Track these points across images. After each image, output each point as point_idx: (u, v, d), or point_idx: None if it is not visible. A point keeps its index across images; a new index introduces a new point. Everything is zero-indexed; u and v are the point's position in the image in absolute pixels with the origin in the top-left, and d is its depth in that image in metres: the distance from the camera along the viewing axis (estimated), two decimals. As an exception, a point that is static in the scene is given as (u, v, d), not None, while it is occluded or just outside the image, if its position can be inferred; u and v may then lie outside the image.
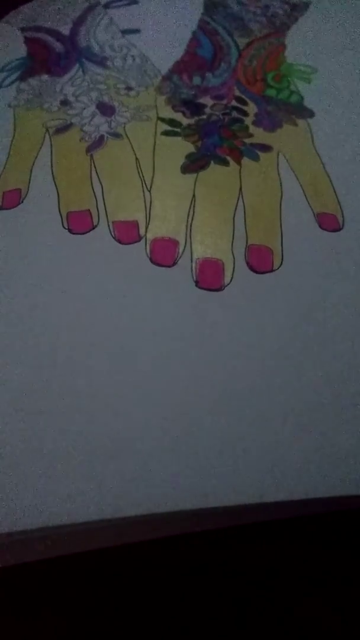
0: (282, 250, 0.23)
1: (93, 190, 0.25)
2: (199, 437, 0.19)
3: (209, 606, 0.20)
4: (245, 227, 0.24)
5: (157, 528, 0.19)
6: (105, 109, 0.28)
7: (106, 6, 0.35)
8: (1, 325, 0.21)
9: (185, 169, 0.26)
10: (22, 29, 0.34)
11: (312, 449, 0.19)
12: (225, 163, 0.26)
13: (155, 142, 0.27)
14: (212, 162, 0.26)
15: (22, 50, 0.33)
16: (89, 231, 0.23)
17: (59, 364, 0.20)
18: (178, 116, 0.28)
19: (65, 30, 0.34)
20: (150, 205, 0.24)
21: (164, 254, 0.23)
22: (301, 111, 0.29)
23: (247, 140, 0.27)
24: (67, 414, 0.19)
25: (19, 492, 0.18)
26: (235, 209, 0.24)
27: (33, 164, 0.26)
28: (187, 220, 0.24)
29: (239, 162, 0.26)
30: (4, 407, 0.20)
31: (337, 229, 0.24)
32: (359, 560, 0.21)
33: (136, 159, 0.26)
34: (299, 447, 0.19)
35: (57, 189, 0.25)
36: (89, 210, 0.24)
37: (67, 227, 0.24)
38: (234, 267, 0.23)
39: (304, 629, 0.20)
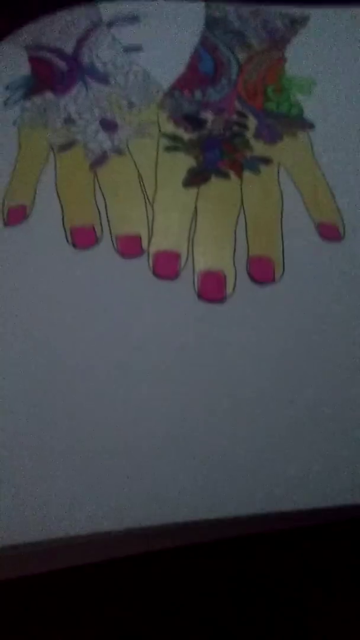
0: (283, 261, 0.24)
1: (97, 205, 0.25)
2: (201, 448, 0.19)
3: (211, 618, 0.20)
4: (247, 239, 0.24)
5: (156, 540, 0.20)
6: (108, 126, 0.29)
7: (109, 25, 0.36)
8: (5, 340, 0.22)
9: (187, 183, 0.26)
10: (26, 48, 0.35)
11: (314, 459, 0.19)
12: (226, 176, 0.26)
13: (157, 157, 0.27)
14: (213, 175, 0.26)
15: (26, 69, 0.33)
16: (92, 246, 0.24)
17: (62, 377, 0.21)
18: (180, 131, 0.28)
19: (69, 48, 0.34)
20: (153, 219, 0.25)
21: (166, 266, 0.23)
22: (301, 123, 0.29)
23: (248, 154, 0.27)
24: (69, 427, 0.20)
25: (18, 504, 0.18)
26: (237, 221, 0.25)
27: (38, 181, 0.26)
28: (189, 233, 0.24)
29: (240, 176, 0.26)
30: (6, 420, 0.20)
31: (337, 239, 0.24)
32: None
33: (139, 174, 0.26)
34: (301, 457, 0.19)
35: (61, 204, 0.25)
36: (92, 225, 0.24)
37: (71, 242, 0.24)
38: (235, 278, 0.23)
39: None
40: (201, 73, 0.32)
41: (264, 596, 0.21)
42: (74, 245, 0.24)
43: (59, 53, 0.34)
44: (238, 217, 0.25)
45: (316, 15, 0.37)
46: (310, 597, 0.21)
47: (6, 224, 0.25)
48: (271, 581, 0.21)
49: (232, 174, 0.26)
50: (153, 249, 0.24)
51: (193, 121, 0.29)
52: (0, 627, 0.20)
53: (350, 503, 0.19)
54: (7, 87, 0.32)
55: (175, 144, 0.28)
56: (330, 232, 0.24)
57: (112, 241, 0.24)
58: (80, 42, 0.35)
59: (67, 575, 0.20)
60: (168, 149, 0.28)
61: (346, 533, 0.21)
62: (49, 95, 0.31)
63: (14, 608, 0.20)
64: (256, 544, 0.21)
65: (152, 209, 0.25)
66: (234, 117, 0.29)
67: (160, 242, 0.24)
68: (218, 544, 0.20)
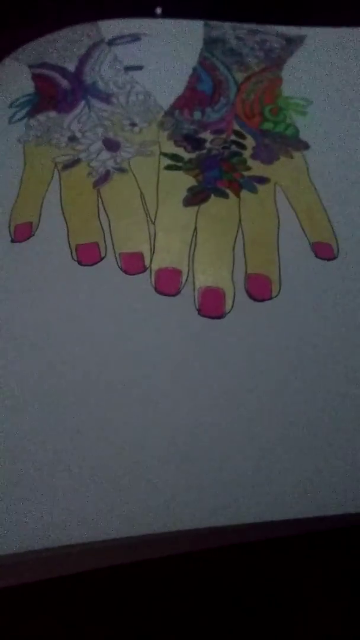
0: (279, 279, 0.24)
1: (100, 223, 0.26)
2: (201, 459, 0.20)
3: (214, 625, 0.21)
4: (245, 257, 0.25)
5: (159, 547, 0.20)
6: (111, 145, 0.30)
7: (110, 43, 0.37)
8: (10, 353, 0.22)
9: (187, 202, 0.27)
10: (30, 66, 0.36)
11: (312, 469, 0.20)
12: (225, 195, 0.27)
13: (158, 176, 0.28)
14: (212, 195, 0.27)
15: (30, 87, 0.34)
16: (97, 263, 0.25)
17: (66, 391, 0.22)
18: (180, 151, 0.29)
19: (71, 67, 0.35)
20: (155, 237, 0.26)
21: (168, 283, 0.24)
22: (297, 144, 0.30)
23: (246, 173, 0.28)
24: (72, 439, 0.20)
25: (28, 512, 0.19)
26: (235, 239, 0.26)
27: (43, 198, 0.27)
28: (190, 251, 0.25)
29: (238, 195, 0.27)
30: (10, 432, 0.21)
31: (331, 257, 0.25)
32: None
33: (141, 192, 0.27)
34: (299, 467, 0.20)
35: (66, 222, 0.26)
36: (96, 242, 0.25)
37: (76, 259, 0.25)
38: (234, 295, 0.24)
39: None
40: (200, 93, 0.33)
41: (263, 603, 0.21)
42: (79, 262, 0.25)
43: (62, 71, 0.35)
44: (236, 235, 0.26)
45: (312, 35, 0.39)
46: (308, 604, 0.21)
47: (13, 240, 0.26)
48: (269, 589, 0.21)
49: (231, 193, 0.27)
50: (155, 266, 0.25)
51: (192, 141, 0.30)
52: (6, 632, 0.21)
53: (349, 512, 0.20)
54: (11, 105, 0.33)
55: (175, 163, 0.29)
56: (324, 251, 0.25)
57: (116, 258, 0.25)
58: (83, 60, 0.36)
59: (70, 582, 0.20)
60: (168, 168, 0.28)
61: (344, 541, 0.22)
62: (52, 113, 0.32)
63: (13, 616, 0.21)
64: (255, 552, 0.22)
65: (154, 227, 0.26)
66: (232, 136, 0.30)
67: (162, 260, 0.25)
68: (217, 551, 0.21)
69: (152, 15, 0.42)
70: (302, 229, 0.26)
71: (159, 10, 0.42)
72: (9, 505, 0.19)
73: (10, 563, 0.19)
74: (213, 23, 0.39)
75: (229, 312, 0.23)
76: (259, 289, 0.24)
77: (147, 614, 0.21)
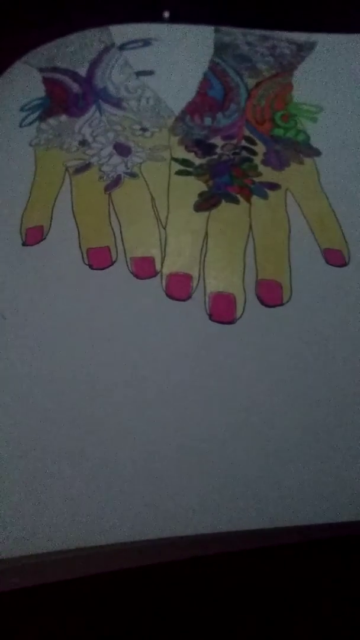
0: (290, 285, 0.24)
1: (112, 227, 0.26)
2: (208, 464, 0.20)
3: (217, 631, 0.21)
4: (255, 262, 0.25)
5: (164, 552, 0.20)
6: (122, 149, 0.30)
7: (121, 48, 0.37)
8: (21, 355, 0.23)
9: (198, 207, 0.27)
10: (41, 70, 0.36)
11: (324, 476, 0.20)
12: (235, 201, 0.27)
13: (169, 181, 0.28)
14: (223, 200, 0.27)
15: (40, 91, 0.34)
16: (108, 267, 0.25)
17: (75, 392, 0.22)
18: (190, 156, 0.29)
19: (82, 71, 0.35)
20: (166, 242, 0.26)
21: (179, 288, 0.24)
22: (308, 150, 0.30)
23: (257, 179, 0.28)
24: (80, 443, 0.20)
25: (34, 514, 0.19)
26: (246, 245, 0.26)
27: (55, 202, 0.27)
28: (201, 256, 0.25)
29: (248, 200, 0.27)
30: (14, 432, 0.21)
31: (342, 264, 0.25)
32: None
33: (152, 197, 0.27)
34: (310, 474, 0.20)
35: (77, 226, 0.26)
36: (108, 247, 0.25)
37: (87, 263, 0.25)
38: (245, 301, 0.24)
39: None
40: (211, 98, 0.33)
41: (267, 611, 0.21)
42: (90, 266, 0.25)
43: (73, 75, 0.35)
44: (247, 241, 0.26)
45: (322, 41, 0.39)
46: (311, 611, 0.21)
47: (24, 243, 0.26)
48: (273, 596, 0.21)
49: (242, 199, 0.27)
50: (166, 271, 0.25)
51: (203, 146, 0.30)
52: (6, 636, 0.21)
53: (355, 519, 0.20)
54: (22, 108, 0.33)
55: (186, 169, 0.29)
56: (335, 258, 0.25)
57: (127, 262, 0.25)
58: (94, 65, 0.36)
59: (73, 585, 0.20)
60: (179, 173, 0.29)
61: (350, 547, 0.22)
62: (63, 117, 0.32)
63: (12, 619, 0.21)
64: (260, 558, 0.21)
65: (165, 232, 0.26)
66: (243, 142, 0.30)
67: (173, 264, 0.25)
68: (221, 557, 0.21)
69: (160, 19, 0.42)
70: (313, 236, 0.26)
71: (166, 14, 0.43)
72: (11, 508, 0.19)
73: (10, 566, 0.19)
74: (224, 29, 0.39)
75: (239, 317, 0.23)
76: (270, 295, 0.24)
77: (149, 619, 0.21)
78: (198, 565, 0.21)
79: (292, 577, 0.21)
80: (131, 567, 0.20)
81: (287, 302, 0.24)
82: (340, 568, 0.22)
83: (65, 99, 0.33)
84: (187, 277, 0.25)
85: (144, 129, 0.31)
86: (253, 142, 0.30)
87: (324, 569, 0.21)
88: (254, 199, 0.27)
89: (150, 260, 0.25)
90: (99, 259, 0.25)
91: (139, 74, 0.35)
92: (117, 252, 0.25)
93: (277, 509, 0.20)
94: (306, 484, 0.20)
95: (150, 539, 0.19)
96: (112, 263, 0.25)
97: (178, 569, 0.21)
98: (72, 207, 0.27)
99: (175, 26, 0.39)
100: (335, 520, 0.20)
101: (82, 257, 0.25)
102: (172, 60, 0.36)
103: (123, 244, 0.26)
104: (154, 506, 0.19)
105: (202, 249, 0.25)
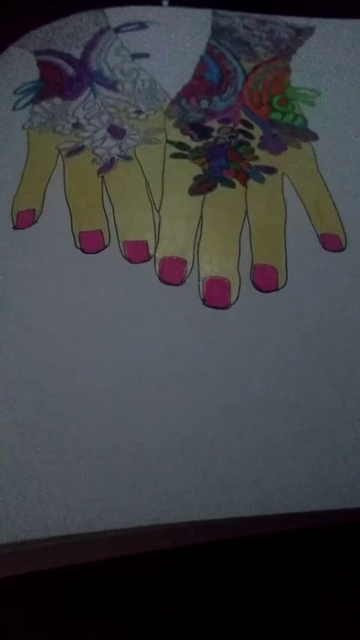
0: (286, 270, 0.24)
1: (104, 211, 0.26)
2: (205, 450, 0.20)
3: (212, 618, 0.21)
4: (251, 247, 0.25)
5: (160, 539, 0.20)
6: (116, 132, 0.29)
7: (117, 30, 0.37)
8: (12, 341, 0.22)
9: (193, 191, 0.26)
10: (35, 53, 0.35)
11: (318, 461, 0.20)
12: (231, 185, 0.27)
13: (164, 165, 0.28)
14: (219, 184, 0.27)
15: (35, 74, 0.34)
16: (100, 250, 0.24)
17: (69, 379, 0.21)
18: (186, 139, 0.29)
19: (77, 54, 0.35)
20: (159, 226, 0.25)
21: (172, 272, 0.24)
22: (305, 134, 0.30)
23: (253, 163, 0.28)
24: (75, 428, 0.20)
25: (22, 501, 0.19)
26: (241, 229, 0.25)
27: (47, 185, 0.27)
28: (195, 240, 0.25)
29: (244, 184, 0.27)
30: (11, 419, 0.20)
31: (339, 249, 0.25)
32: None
33: (146, 180, 0.27)
34: (304, 459, 0.20)
35: (69, 209, 0.26)
36: (100, 230, 0.25)
37: (79, 247, 0.24)
38: (239, 286, 0.23)
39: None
40: (207, 82, 0.33)
41: (264, 598, 0.21)
42: (82, 250, 0.24)
43: (68, 58, 0.35)
44: (243, 225, 0.25)
45: (321, 26, 0.38)
46: (312, 599, 0.21)
47: (15, 227, 0.25)
48: (272, 582, 0.21)
49: (238, 183, 0.27)
50: (159, 255, 0.24)
51: (199, 129, 0.29)
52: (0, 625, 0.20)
53: (353, 506, 0.19)
54: (15, 91, 0.33)
55: (181, 152, 0.28)
56: (332, 243, 0.25)
57: (120, 246, 0.24)
58: (89, 47, 0.35)
59: (68, 573, 0.20)
60: (174, 156, 0.28)
61: (348, 535, 0.21)
62: (57, 100, 0.31)
63: (14, 606, 0.21)
64: (258, 546, 0.21)
65: (159, 216, 0.26)
66: (240, 126, 0.30)
67: (167, 249, 0.24)
68: (220, 544, 0.21)
69: (159, 3, 0.41)
70: (310, 220, 0.26)
71: (165, 2, 0.42)
72: (6, 494, 0.19)
73: (5, 554, 0.19)
74: (221, 12, 0.39)
75: (234, 302, 0.23)
76: (265, 280, 0.24)
77: (147, 607, 0.21)
78: (196, 552, 0.21)
79: (291, 565, 0.21)
80: (123, 554, 0.20)
81: (283, 287, 0.24)
82: (342, 555, 0.21)
83: (59, 81, 0.33)
84: (181, 262, 0.24)
85: (138, 112, 0.30)
86: (250, 126, 0.30)
87: (325, 557, 0.21)
88: (250, 182, 0.27)
89: (143, 244, 0.25)
90: (91, 242, 0.25)
91: (134, 56, 0.34)
92: (110, 235, 0.25)
93: (276, 495, 0.19)
94: (304, 469, 0.20)
95: (145, 526, 0.19)
96: (105, 247, 0.24)
97: (174, 557, 0.21)
98: (65, 190, 0.26)
99: (172, 9, 0.39)
100: (337, 507, 0.19)
101: (74, 241, 0.25)
102: (168, 43, 0.35)
103: (116, 227, 0.25)
104: (148, 492, 0.19)
105: (196, 233, 0.25)
